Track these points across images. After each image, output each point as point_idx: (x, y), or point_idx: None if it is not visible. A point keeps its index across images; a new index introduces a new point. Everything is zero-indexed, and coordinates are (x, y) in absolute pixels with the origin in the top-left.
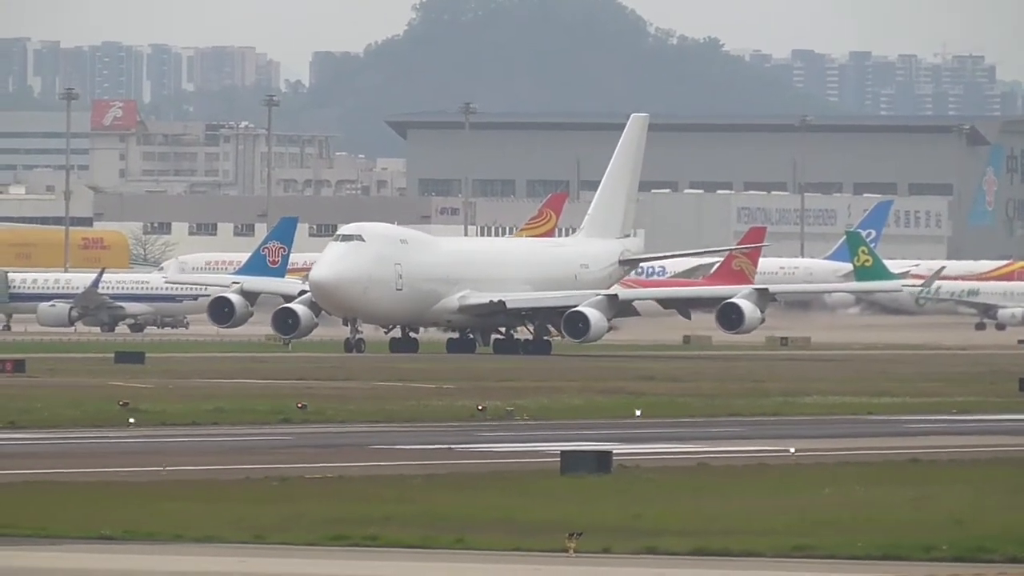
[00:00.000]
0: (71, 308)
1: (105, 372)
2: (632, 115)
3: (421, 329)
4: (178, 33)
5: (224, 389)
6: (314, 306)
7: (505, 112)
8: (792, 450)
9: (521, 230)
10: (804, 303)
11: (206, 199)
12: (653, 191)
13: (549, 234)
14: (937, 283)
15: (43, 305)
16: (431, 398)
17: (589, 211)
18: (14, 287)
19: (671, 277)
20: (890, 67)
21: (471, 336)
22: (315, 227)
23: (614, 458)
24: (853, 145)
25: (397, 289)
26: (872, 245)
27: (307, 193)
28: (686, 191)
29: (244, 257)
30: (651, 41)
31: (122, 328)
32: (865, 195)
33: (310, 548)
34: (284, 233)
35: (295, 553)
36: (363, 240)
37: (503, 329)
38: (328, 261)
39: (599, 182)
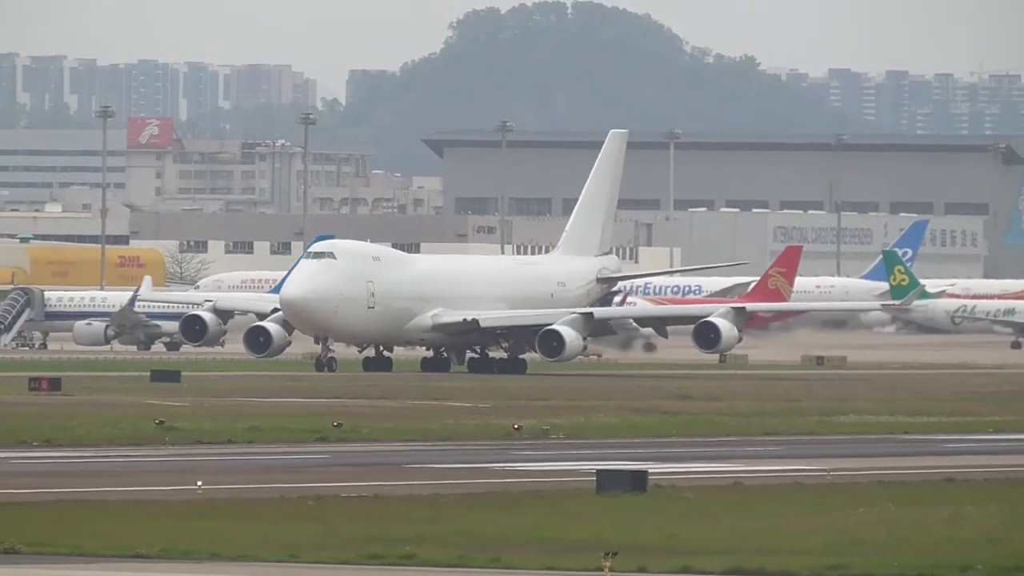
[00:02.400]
0: (107, 326)
1: (141, 390)
2: (610, 131)
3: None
4: (214, 51)
5: (260, 408)
6: (287, 324)
7: (541, 131)
8: (827, 469)
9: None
10: (839, 322)
11: (242, 217)
12: (690, 209)
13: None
14: (974, 302)
15: (79, 323)
16: (467, 417)
17: (566, 228)
18: (50, 305)
19: (708, 296)
20: (926, 86)
21: (445, 355)
22: None
23: (650, 477)
24: (889, 164)
25: (369, 307)
26: (908, 264)
27: (343, 211)
28: (722, 210)
29: (280, 275)
30: (687, 60)
31: (158, 346)
32: (901, 214)
33: (345, 567)
34: None
35: (330, 572)
36: (334, 258)
37: (478, 348)
38: (299, 279)
39: (636, 200)
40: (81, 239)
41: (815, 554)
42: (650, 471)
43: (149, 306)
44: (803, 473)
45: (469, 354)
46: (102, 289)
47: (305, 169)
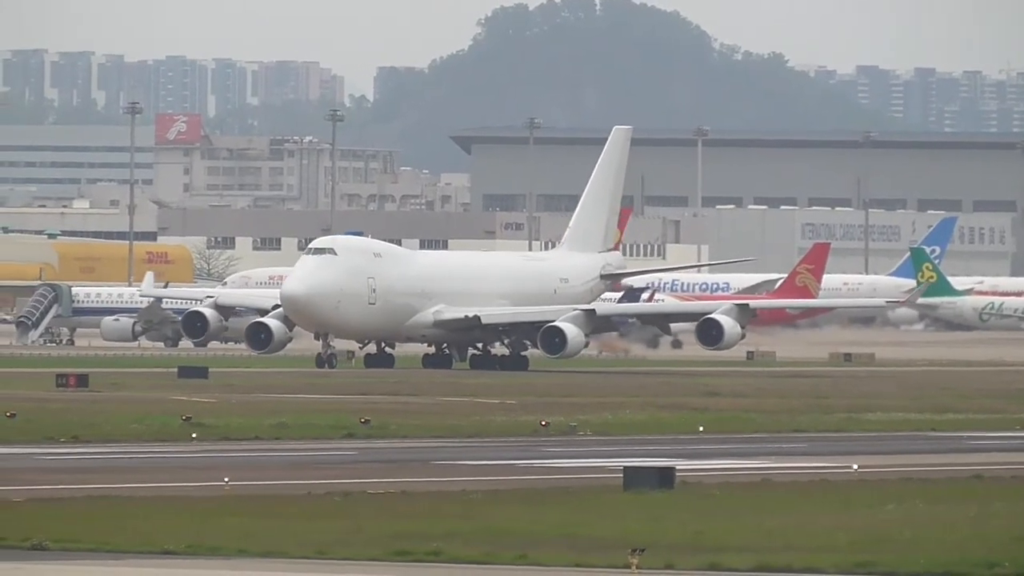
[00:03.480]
0: (135, 323)
1: (168, 387)
2: (614, 127)
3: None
4: (242, 47)
5: (287, 404)
6: (288, 320)
7: (570, 127)
8: (855, 466)
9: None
10: (867, 319)
11: (270, 214)
12: (718, 207)
13: (614, 249)
14: (1002, 299)
15: (107, 319)
16: (494, 413)
17: (570, 224)
18: (78, 301)
19: (737, 292)
20: (955, 83)
21: (447, 351)
22: None
23: (677, 474)
24: (917, 161)
25: (370, 303)
26: (936, 261)
27: (371, 208)
28: (750, 207)
29: None
30: (716, 57)
31: (186, 343)
32: (929, 211)
33: (373, 563)
34: None
35: (357, 568)
36: (335, 253)
37: (480, 344)
38: (299, 275)
39: (663, 197)
40: (109, 235)
41: (842, 551)
42: (677, 468)
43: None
44: (831, 470)
45: (471, 351)
46: (130, 285)
47: (333, 166)
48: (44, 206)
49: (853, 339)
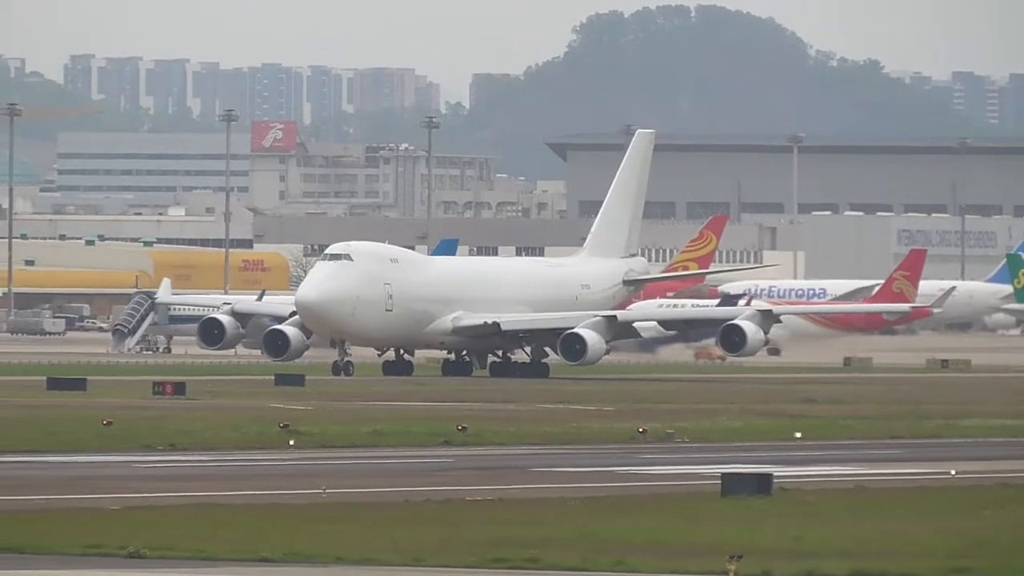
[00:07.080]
0: None
1: (265, 394)
2: (637, 131)
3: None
4: (338, 54)
5: (383, 411)
6: (305, 328)
7: (665, 134)
8: (952, 472)
9: (682, 252)
10: (964, 325)
11: (366, 221)
12: (813, 213)
13: (709, 257)
14: None
15: None
16: (591, 420)
17: (592, 230)
18: (174, 309)
19: (832, 299)
20: None
21: (467, 358)
22: (475, 249)
23: (775, 480)
24: (1014, 167)
25: (387, 310)
26: None
27: (467, 215)
28: (846, 213)
29: None
30: (811, 63)
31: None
32: None
33: (470, 570)
34: (444, 255)
35: (455, 575)
36: (351, 259)
37: (500, 351)
38: (315, 281)
39: (759, 204)
40: (204, 243)
41: (939, 556)
42: (775, 474)
43: (176, 309)
44: (928, 476)
45: (491, 358)
46: (226, 293)
47: (429, 173)
48: (140, 214)
49: (950, 345)
